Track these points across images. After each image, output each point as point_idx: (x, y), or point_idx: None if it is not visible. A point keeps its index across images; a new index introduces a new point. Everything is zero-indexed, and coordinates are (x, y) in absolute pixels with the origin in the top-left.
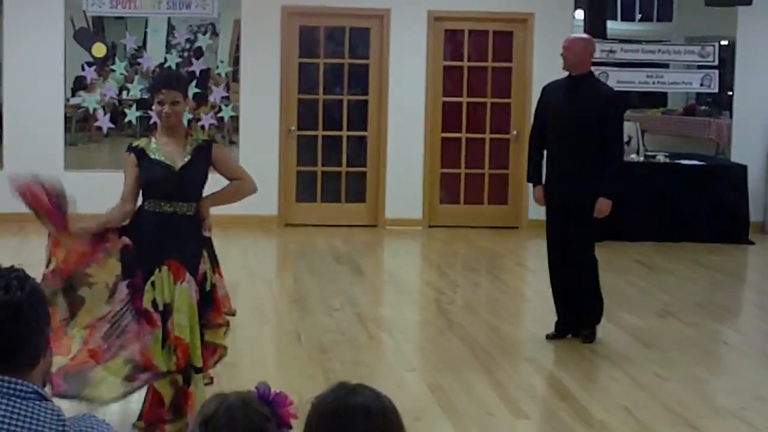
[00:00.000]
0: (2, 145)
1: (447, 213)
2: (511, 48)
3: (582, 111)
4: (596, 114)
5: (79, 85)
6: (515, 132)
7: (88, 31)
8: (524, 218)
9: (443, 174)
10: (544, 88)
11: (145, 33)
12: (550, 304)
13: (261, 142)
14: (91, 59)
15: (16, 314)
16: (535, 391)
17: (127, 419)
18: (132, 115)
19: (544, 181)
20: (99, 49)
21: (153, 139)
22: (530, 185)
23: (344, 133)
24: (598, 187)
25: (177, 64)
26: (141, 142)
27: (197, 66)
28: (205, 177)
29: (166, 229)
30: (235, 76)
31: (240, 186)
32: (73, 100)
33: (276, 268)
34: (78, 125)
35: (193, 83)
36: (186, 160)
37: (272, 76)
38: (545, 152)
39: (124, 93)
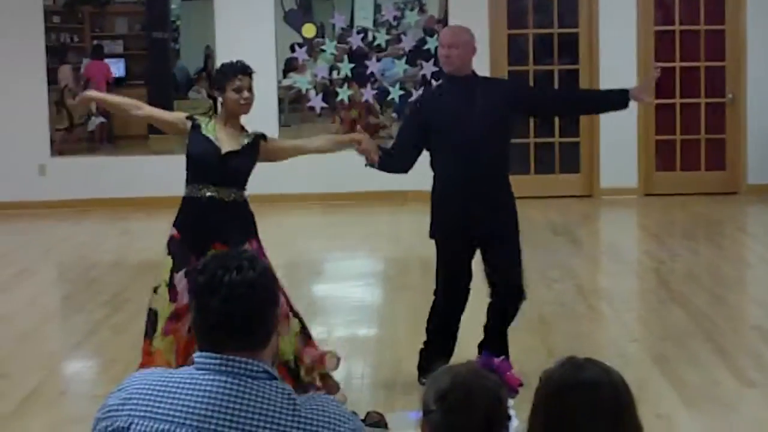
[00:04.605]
0: None
1: (663, 180)
2: (723, 9)
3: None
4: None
5: (290, 66)
6: (731, 95)
7: (298, 13)
8: (743, 183)
9: (658, 141)
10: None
11: (353, 12)
12: None
13: None
14: (300, 40)
15: (249, 293)
16: (762, 359)
17: None
18: (344, 93)
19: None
20: (309, 30)
21: (213, 121)
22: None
23: None
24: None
25: (386, 42)
26: (200, 119)
27: (406, 42)
28: (250, 169)
29: (211, 213)
30: None
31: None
32: (285, 82)
33: None
34: (291, 106)
35: (403, 60)
36: (235, 149)
37: (481, 49)
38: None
39: (335, 72)
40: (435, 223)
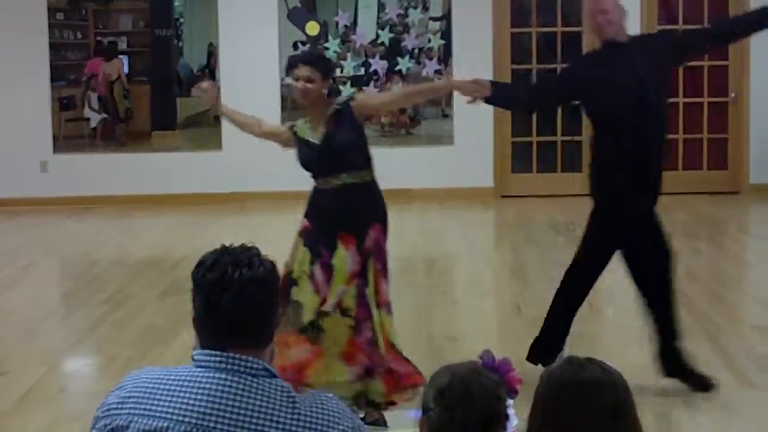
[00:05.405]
0: (220, 127)
1: (665, 179)
2: (726, 8)
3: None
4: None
5: None
6: (734, 94)
7: (301, 10)
8: (745, 183)
9: None
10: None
11: (356, 10)
12: None
13: (475, 115)
14: (304, 38)
15: (260, 290)
16: (762, 360)
17: None
18: (347, 91)
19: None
20: (312, 28)
21: (301, 120)
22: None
23: None
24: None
25: (389, 40)
26: (296, 124)
27: (409, 41)
28: (354, 139)
29: (339, 201)
30: (447, 49)
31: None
32: (288, 80)
33: (494, 240)
34: (293, 105)
35: (407, 58)
36: (322, 133)
37: (484, 48)
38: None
39: (338, 70)
40: (611, 193)
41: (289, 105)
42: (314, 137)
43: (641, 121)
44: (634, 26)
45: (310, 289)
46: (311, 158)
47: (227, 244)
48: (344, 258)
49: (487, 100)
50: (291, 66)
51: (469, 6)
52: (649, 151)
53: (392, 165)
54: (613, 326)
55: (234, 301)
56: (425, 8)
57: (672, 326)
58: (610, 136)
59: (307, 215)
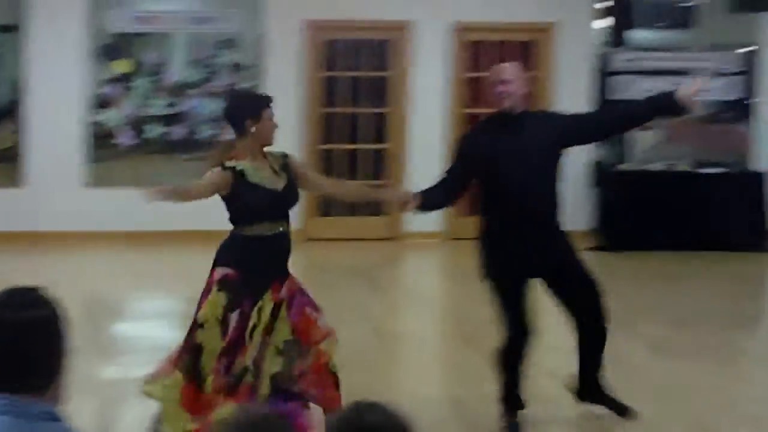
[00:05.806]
0: (24, 163)
1: (469, 225)
2: (534, 57)
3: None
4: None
5: (101, 102)
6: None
7: (111, 48)
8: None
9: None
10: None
11: (168, 49)
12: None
13: None
14: (113, 76)
15: (41, 331)
16: (559, 404)
17: None
18: (154, 131)
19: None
20: (121, 66)
21: (244, 162)
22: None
23: (369, 146)
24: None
25: (200, 80)
26: (239, 165)
27: (220, 81)
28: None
29: (272, 251)
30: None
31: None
32: (95, 117)
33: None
34: (100, 142)
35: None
36: (285, 180)
37: (295, 90)
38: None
39: (147, 109)
40: (491, 265)
41: (96, 143)
42: (269, 183)
43: (526, 193)
44: (440, 77)
45: (218, 334)
46: (266, 204)
47: (14, 285)
48: (269, 307)
49: (419, 209)
50: (267, 105)
51: (282, 48)
52: (533, 222)
53: (193, 205)
54: (408, 368)
55: (15, 342)
56: (237, 49)
57: (595, 359)
58: (496, 206)
59: (230, 263)
